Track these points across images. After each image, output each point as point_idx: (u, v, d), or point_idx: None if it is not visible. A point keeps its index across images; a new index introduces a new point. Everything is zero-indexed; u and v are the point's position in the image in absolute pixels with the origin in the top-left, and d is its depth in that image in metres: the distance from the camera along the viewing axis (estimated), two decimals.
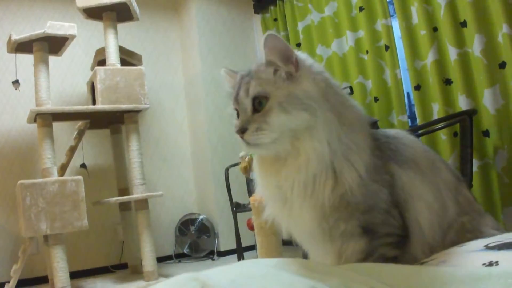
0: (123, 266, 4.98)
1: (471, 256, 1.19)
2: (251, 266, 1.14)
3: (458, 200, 1.59)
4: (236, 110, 1.48)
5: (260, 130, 1.38)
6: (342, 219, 1.43)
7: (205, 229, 5.33)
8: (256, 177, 1.58)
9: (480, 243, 1.28)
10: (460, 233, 1.53)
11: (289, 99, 1.38)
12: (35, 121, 4.13)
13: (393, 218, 1.44)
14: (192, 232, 5.31)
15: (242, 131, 1.39)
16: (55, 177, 3.95)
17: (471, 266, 1.09)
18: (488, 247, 1.21)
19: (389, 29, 4.13)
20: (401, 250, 1.45)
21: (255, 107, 1.41)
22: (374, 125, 3.68)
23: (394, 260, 1.41)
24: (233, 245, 4.64)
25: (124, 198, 4.31)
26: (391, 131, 1.68)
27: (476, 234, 1.51)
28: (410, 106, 4.75)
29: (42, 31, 4.00)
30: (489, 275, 0.94)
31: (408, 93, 4.57)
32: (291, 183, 1.42)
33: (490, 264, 1.07)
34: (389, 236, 1.43)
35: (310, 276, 1.03)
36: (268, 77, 1.43)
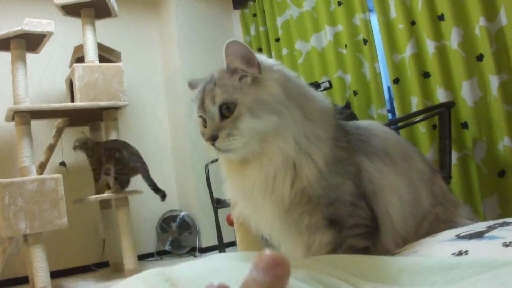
0: (104, 265, 4.96)
1: (442, 245, 1.20)
2: (217, 260, 1.14)
3: (433, 191, 1.60)
4: (202, 117, 1.49)
5: (232, 136, 1.38)
6: (306, 212, 1.44)
7: (187, 226, 5.32)
8: (223, 175, 1.60)
9: (452, 233, 1.28)
10: (434, 223, 1.53)
11: (257, 104, 1.39)
12: (13, 119, 4.10)
13: (361, 210, 1.44)
14: (174, 229, 5.29)
15: (213, 138, 1.40)
16: (34, 175, 3.92)
17: (441, 256, 1.10)
18: (459, 237, 1.21)
19: (367, 23, 4.14)
20: (371, 241, 1.45)
21: (223, 114, 1.41)
22: (347, 109, 3.70)
23: (365, 251, 1.41)
24: (215, 241, 4.62)
25: (104, 195, 4.29)
26: (363, 123, 1.69)
27: (450, 224, 1.52)
28: (391, 100, 4.77)
29: (20, 28, 3.97)
30: (457, 264, 0.94)
31: (389, 87, 4.59)
32: (252, 181, 1.44)
33: (460, 253, 1.07)
34: (357, 227, 1.43)
35: None
36: (233, 84, 1.43)
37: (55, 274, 4.24)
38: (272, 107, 1.39)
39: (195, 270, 1.07)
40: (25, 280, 4.39)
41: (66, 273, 4.79)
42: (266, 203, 1.45)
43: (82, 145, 4.23)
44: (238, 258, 1.14)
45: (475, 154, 3.38)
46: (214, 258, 1.17)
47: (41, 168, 4.41)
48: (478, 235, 1.17)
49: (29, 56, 4.29)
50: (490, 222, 1.29)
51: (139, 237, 5.04)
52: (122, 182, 4.30)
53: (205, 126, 1.48)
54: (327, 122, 1.49)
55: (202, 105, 1.46)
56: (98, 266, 4.99)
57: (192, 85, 1.60)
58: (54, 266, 4.26)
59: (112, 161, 4.23)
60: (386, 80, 4.33)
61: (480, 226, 1.27)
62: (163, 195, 4.38)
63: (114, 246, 4.70)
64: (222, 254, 1.24)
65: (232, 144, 1.38)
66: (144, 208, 5.40)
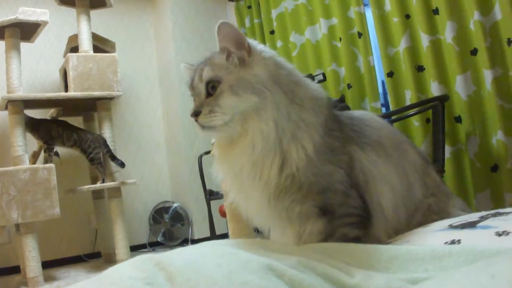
0: (96, 255, 4.96)
1: (435, 235, 1.20)
2: (208, 246, 1.14)
3: (425, 182, 1.60)
4: (193, 96, 1.51)
5: (213, 113, 1.40)
6: (297, 200, 1.44)
7: (179, 217, 5.32)
8: (215, 162, 1.60)
9: (444, 223, 1.29)
10: (427, 214, 1.54)
11: (239, 83, 1.41)
12: (6, 108, 4.09)
13: (352, 199, 1.44)
14: (166, 220, 5.30)
15: (196, 114, 1.42)
16: (26, 165, 3.91)
17: (433, 245, 1.10)
18: (452, 227, 1.22)
19: (362, 16, 4.14)
20: (363, 230, 1.44)
21: (209, 92, 1.44)
22: (341, 102, 3.70)
23: (357, 240, 1.41)
24: (207, 233, 4.61)
25: (97, 186, 4.29)
26: (357, 113, 1.70)
27: (442, 215, 1.52)
28: (385, 94, 4.77)
29: (14, 17, 3.95)
30: (450, 252, 0.95)
31: (382, 81, 4.59)
32: (240, 165, 1.45)
33: (452, 242, 1.08)
34: (348, 217, 1.43)
35: (268, 255, 1.03)
36: (220, 63, 1.46)
37: (46, 264, 4.23)
38: (254, 87, 1.41)
39: (185, 255, 1.07)
40: (16, 269, 4.39)
41: (58, 263, 4.78)
42: (255, 188, 1.45)
43: (27, 126, 4.19)
44: (229, 244, 1.14)
45: (469, 148, 3.39)
46: (205, 244, 1.17)
47: (34, 157, 4.41)
48: (471, 224, 1.17)
49: (23, 45, 4.28)
50: (483, 213, 1.29)
51: (131, 228, 5.03)
52: (98, 159, 4.35)
53: None
54: (319, 110, 1.48)
55: (191, 83, 1.50)
56: (90, 257, 4.98)
57: (188, 68, 1.62)
58: (45, 256, 4.26)
59: (79, 145, 4.33)
60: (379, 74, 4.33)
61: (473, 216, 1.27)
62: (121, 163, 4.41)
63: (106, 236, 4.69)
64: (213, 241, 1.24)
65: (213, 121, 1.41)
66: (137, 199, 5.40)
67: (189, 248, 1.16)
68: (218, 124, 1.41)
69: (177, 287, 0.94)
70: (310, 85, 1.53)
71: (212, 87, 1.43)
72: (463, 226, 1.18)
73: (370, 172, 1.48)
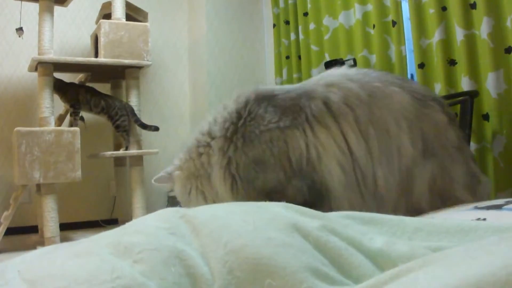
0: (113, 222, 5.00)
1: (460, 214, 1.21)
2: (234, 205, 1.16)
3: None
4: None
5: None
6: None
7: None
8: None
9: (470, 205, 1.29)
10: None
11: None
12: (36, 69, 4.12)
13: None
14: None
15: None
16: (52, 126, 3.95)
17: (459, 219, 1.10)
18: (477, 208, 1.22)
19: (398, 5, 4.10)
20: None
21: None
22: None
23: None
24: None
25: (119, 153, 4.33)
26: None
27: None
28: None
29: None
30: (476, 227, 0.95)
31: (412, 75, 4.56)
32: None
33: (478, 220, 1.08)
34: None
35: (293, 216, 1.03)
36: None
37: (64, 226, 4.27)
38: None
39: (210, 211, 1.09)
40: (34, 229, 4.43)
41: (75, 226, 4.84)
42: None
43: (55, 88, 4.20)
44: (255, 204, 1.15)
45: (494, 147, 3.36)
46: (231, 203, 1.18)
47: (60, 120, 4.45)
48: (497, 207, 1.18)
49: (57, 9, 4.30)
50: (509, 199, 1.30)
51: (149, 197, 5.05)
52: (124, 127, 4.37)
53: None
54: None
55: None
56: (107, 223, 5.03)
57: None
58: (63, 218, 4.29)
59: (107, 112, 4.37)
60: (409, 66, 4.29)
61: (499, 201, 1.27)
62: (155, 128, 4.53)
63: (124, 204, 4.74)
64: (243, 202, 1.25)
65: None
66: (158, 169, 5.36)
67: (215, 205, 1.18)
68: None
69: (200, 239, 0.95)
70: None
71: None
72: (489, 207, 1.19)
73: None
